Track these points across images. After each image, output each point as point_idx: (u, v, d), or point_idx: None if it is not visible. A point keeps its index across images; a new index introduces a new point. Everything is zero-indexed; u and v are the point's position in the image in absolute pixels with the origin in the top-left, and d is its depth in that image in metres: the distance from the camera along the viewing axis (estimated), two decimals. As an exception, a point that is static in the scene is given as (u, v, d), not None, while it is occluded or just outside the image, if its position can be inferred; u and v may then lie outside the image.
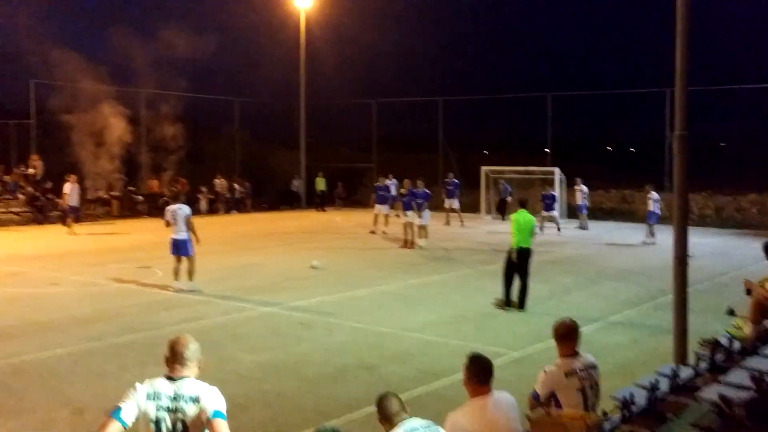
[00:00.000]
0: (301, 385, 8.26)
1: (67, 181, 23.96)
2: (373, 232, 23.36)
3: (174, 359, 4.02)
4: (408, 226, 20.11)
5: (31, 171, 27.95)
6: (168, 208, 14.20)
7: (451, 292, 13.89)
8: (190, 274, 13.67)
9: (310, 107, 37.61)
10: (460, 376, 5.05)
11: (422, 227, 20.15)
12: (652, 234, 20.99)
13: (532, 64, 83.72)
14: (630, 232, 23.90)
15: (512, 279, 12.26)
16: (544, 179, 28.55)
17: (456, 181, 27.82)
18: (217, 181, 32.57)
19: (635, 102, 35.77)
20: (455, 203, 27.17)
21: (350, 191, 35.98)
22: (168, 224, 13.74)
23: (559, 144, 33.11)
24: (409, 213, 20.07)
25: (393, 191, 25.46)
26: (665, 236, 17.52)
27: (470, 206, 30.84)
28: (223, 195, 32.58)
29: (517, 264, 12.21)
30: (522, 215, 12.35)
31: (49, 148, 29.42)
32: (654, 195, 21.07)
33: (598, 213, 28.82)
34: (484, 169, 30.26)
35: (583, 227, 25.14)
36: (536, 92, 35.19)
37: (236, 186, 33.06)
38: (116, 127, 29.05)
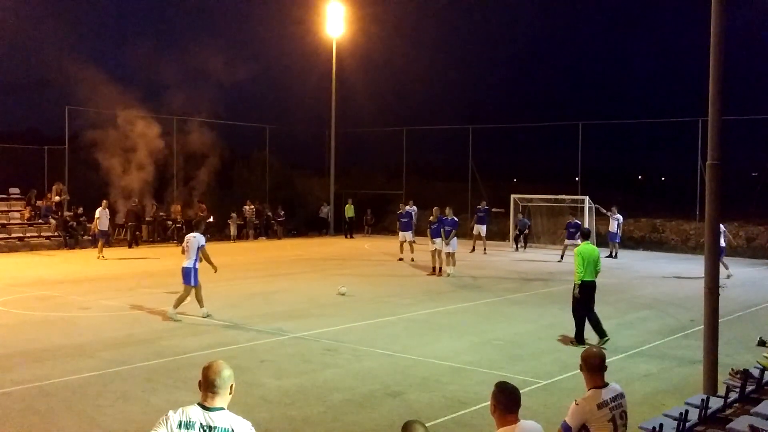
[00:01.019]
0: (327, 411, 8.23)
1: (101, 206, 24.40)
2: (401, 260, 23.35)
3: (207, 386, 3.94)
4: (436, 253, 20.08)
5: (56, 199, 28.37)
6: (186, 236, 14.23)
7: (478, 320, 13.81)
8: (199, 300, 13.66)
9: (341, 134, 37.89)
10: (487, 404, 5.00)
11: (450, 255, 20.07)
12: (725, 267, 18.83)
13: (563, 92, 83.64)
14: (660, 262, 23.62)
15: (583, 315, 11.69)
16: (574, 207, 28.40)
17: (487, 208, 27.96)
18: (246, 207, 32.85)
19: (667, 131, 35.53)
20: (483, 230, 27.13)
21: (379, 218, 36.05)
22: (183, 252, 13.77)
23: (590, 172, 32.92)
24: (437, 240, 20.01)
25: (414, 217, 25.42)
26: (693, 266, 17.27)
27: (499, 234, 30.76)
28: (252, 221, 32.81)
29: (589, 298, 11.69)
30: (586, 248, 11.85)
31: (81, 174, 29.93)
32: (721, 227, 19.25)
33: (628, 242, 28.54)
34: (513, 197, 30.20)
35: (613, 256, 24.86)
36: (567, 121, 35.08)
37: (268, 212, 33.30)
38: (149, 152, 29.52)
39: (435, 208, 21.17)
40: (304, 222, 35.79)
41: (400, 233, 23.93)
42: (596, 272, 11.81)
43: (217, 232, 31.78)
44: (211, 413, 3.88)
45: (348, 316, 13.84)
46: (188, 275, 13.46)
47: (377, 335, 12.26)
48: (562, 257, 23.63)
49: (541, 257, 25.33)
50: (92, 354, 10.72)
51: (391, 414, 8.07)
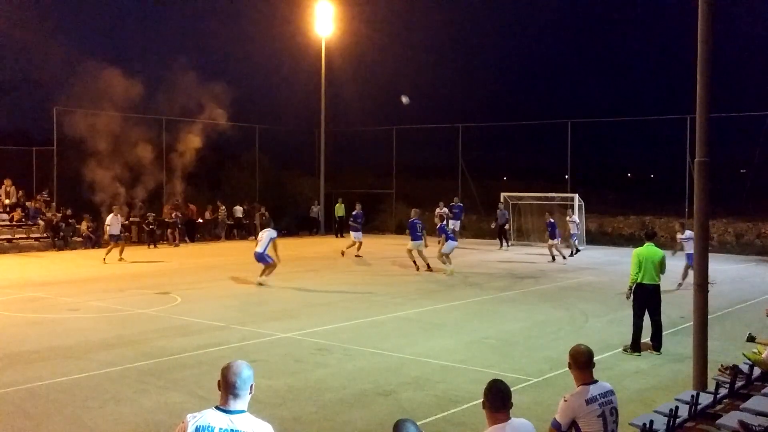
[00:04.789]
0: (319, 410, 8.22)
1: (111, 212, 24.25)
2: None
3: (227, 388, 3.80)
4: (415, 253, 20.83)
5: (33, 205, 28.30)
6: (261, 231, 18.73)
7: (469, 319, 13.82)
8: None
9: (330, 134, 37.86)
10: (478, 402, 5.01)
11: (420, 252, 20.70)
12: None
13: (551, 90, 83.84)
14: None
15: (641, 320, 11.08)
16: (563, 205, 28.48)
17: (461, 204, 28.41)
18: (237, 208, 32.75)
19: (656, 129, 35.62)
20: (457, 226, 28.22)
21: (370, 218, 36.03)
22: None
23: (579, 170, 33.00)
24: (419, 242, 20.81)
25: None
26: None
27: (489, 232, 30.80)
28: (242, 221, 32.72)
29: (643, 302, 11.14)
30: (646, 249, 11.19)
31: (70, 175, 29.76)
32: (688, 233, 17.25)
33: (618, 239, 28.65)
34: (503, 195, 30.25)
35: (573, 253, 24.79)
36: (556, 119, 35.14)
37: (260, 212, 33.22)
38: (137, 153, 29.40)
39: (414, 209, 21.81)
40: (294, 222, 35.73)
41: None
42: (659, 277, 11.14)
43: (207, 233, 31.74)
44: (231, 416, 3.74)
45: (339, 316, 13.83)
46: (262, 257, 17.81)
47: (368, 334, 12.26)
48: (553, 258, 23.58)
49: (530, 255, 25.39)
50: (82, 355, 10.67)
51: (383, 413, 8.07)
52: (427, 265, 20.47)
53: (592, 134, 36.49)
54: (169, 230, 29.63)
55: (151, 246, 28.08)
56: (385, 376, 9.66)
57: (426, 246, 20.88)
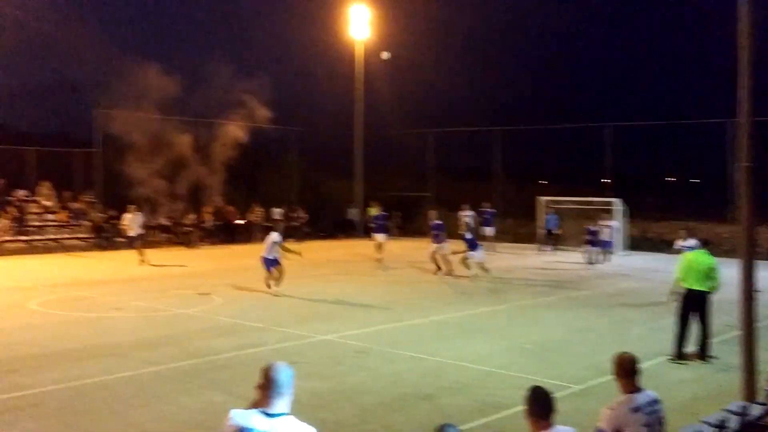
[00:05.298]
0: (359, 413, 8.25)
1: (128, 212, 24.07)
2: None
3: (268, 389, 3.78)
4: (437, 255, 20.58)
5: (78, 206, 28.80)
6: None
7: (508, 324, 13.75)
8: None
9: (367, 137, 37.93)
10: (520, 408, 4.98)
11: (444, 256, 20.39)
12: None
13: (591, 93, 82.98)
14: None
15: (684, 327, 10.84)
16: (604, 210, 28.13)
17: (492, 210, 28.31)
18: (274, 210, 32.97)
19: (697, 132, 35.05)
20: (490, 231, 28.07)
21: (407, 221, 36.02)
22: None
23: (620, 175, 32.61)
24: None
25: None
26: (731, 270, 17.03)
27: (526, 237, 30.61)
28: (280, 223, 32.92)
29: (688, 309, 10.89)
30: (696, 255, 11.01)
31: (112, 176, 30.27)
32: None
33: (660, 245, 28.22)
34: (540, 199, 30.04)
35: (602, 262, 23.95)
36: (596, 122, 34.77)
37: (296, 214, 33.43)
38: (177, 154, 29.80)
39: (433, 211, 21.69)
40: (331, 224, 35.88)
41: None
42: (708, 284, 10.80)
43: (244, 235, 32.01)
44: (273, 420, 3.71)
45: (377, 318, 13.86)
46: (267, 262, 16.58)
47: (407, 338, 12.26)
48: (591, 263, 23.27)
49: (569, 261, 25.14)
50: (126, 354, 10.85)
51: (424, 417, 8.07)
52: (447, 270, 20.01)
53: (632, 138, 36.07)
54: (203, 232, 29.95)
55: (189, 247, 28.40)
56: (424, 380, 9.66)
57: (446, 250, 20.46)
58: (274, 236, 16.99)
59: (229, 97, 31.90)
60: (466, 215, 27.90)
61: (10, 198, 28.57)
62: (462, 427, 6.90)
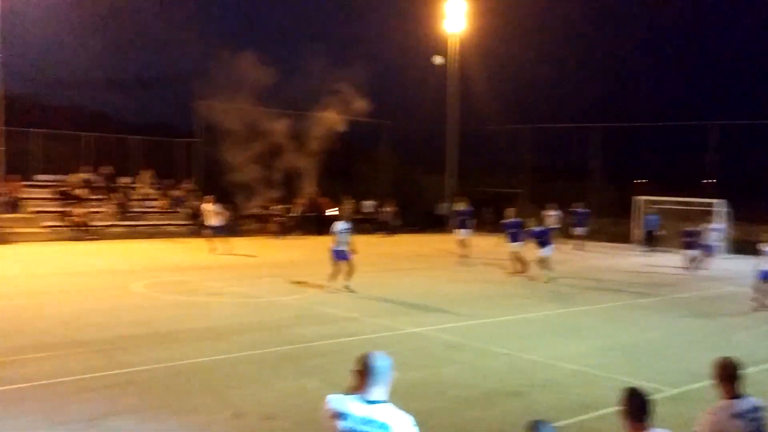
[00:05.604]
0: (448, 406, 8.29)
1: (206, 202, 24.27)
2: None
3: (367, 377, 3.85)
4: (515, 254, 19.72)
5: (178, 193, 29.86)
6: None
7: (603, 324, 13.49)
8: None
9: (460, 131, 37.81)
10: (613, 410, 4.91)
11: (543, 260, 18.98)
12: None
13: (697, 90, 79.90)
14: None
15: None
16: (705, 212, 27.14)
17: (585, 210, 28.17)
18: (365, 202, 33.33)
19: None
20: (582, 231, 27.64)
21: (498, 217, 35.71)
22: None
23: (724, 176, 31.37)
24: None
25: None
26: None
27: (620, 236, 29.91)
28: (371, 216, 33.29)
29: None
30: None
31: (211, 165, 31.31)
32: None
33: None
34: (637, 199, 29.26)
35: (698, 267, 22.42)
36: (701, 120, 33.51)
37: (387, 208, 33.67)
38: (272, 146, 30.52)
39: (511, 209, 20.87)
40: (421, 218, 35.98)
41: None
42: None
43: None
44: (371, 406, 3.79)
45: (467, 314, 13.84)
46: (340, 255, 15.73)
47: (498, 334, 12.21)
48: (689, 268, 22.20)
49: (667, 263, 24.39)
50: (224, 338, 11.23)
51: (514, 413, 8.04)
52: (523, 269, 19.29)
53: (740, 138, 34.56)
54: (293, 222, 30.58)
55: (280, 237, 29.04)
56: (515, 376, 9.61)
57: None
58: (340, 225, 16.00)
59: (324, 88, 32.46)
60: (552, 214, 27.46)
61: (115, 185, 29.96)
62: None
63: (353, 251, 15.85)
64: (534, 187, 35.15)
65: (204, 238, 23.54)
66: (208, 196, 24.83)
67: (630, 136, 37.20)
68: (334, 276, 15.82)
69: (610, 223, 31.87)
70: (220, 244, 22.95)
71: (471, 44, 38.12)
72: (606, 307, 15.37)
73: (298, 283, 16.96)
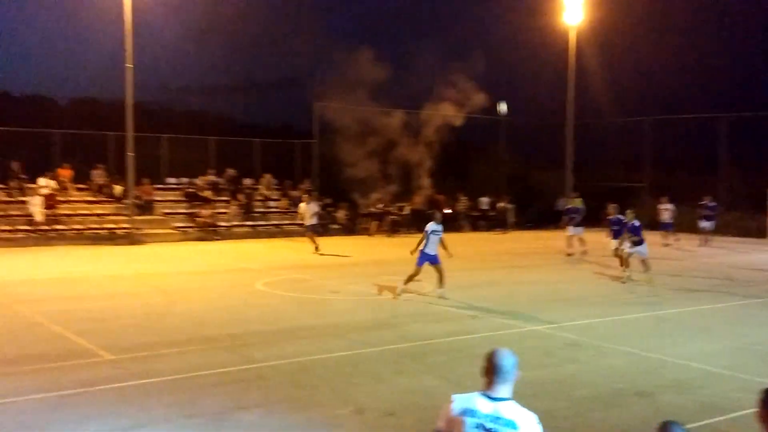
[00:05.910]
0: (572, 406, 8.11)
1: (303, 201, 24.53)
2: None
3: (494, 374, 3.86)
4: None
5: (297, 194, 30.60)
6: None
7: (733, 323, 12.84)
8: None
9: (578, 126, 36.90)
10: (747, 412, 4.67)
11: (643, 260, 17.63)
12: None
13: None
14: None
15: None
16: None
17: (714, 204, 27.05)
18: (481, 199, 33.10)
19: None
20: (709, 225, 26.69)
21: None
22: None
23: None
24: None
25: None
26: None
27: (754, 231, 28.38)
28: (487, 213, 33.02)
29: None
30: None
31: (329, 166, 31.95)
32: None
33: None
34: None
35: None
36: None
37: (503, 204, 33.34)
38: (389, 144, 30.82)
39: (613, 205, 19.64)
40: (538, 214, 35.38)
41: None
42: None
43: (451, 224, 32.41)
44: (497, 403, 3.79)
45: (589, 312, 13.50)
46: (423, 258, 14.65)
47: (622, 332, 11.85)
48: None
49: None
50: (344, 335, 11.44)
51: (641, 414, 7.78)
52: (625, 265, 17.84)
53: None
54: (404, 219, 30.73)
55: (392, 235, 29.25)
56: (641, 376, 9.29)
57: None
58: (432, 225, 14.75)
59: (439, 84, 32.47)
60: (666, 207, 26.30)
61: (239, 187, 31.07)
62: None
63: (447, 254, 14.81)
64: (655, 180, 33.87)
65: (306, 238, 23.59)
66: (305, 195, 25.39)
67: (762, 125, 35.11)
68: (410, 279, 14.68)
69: (741, 217, 30.31)
70: (314, 242, 22.98)
71: (589, 36, 37.11)
72: (738, 305, 14.62)
73: (417, 280, 17.01)
